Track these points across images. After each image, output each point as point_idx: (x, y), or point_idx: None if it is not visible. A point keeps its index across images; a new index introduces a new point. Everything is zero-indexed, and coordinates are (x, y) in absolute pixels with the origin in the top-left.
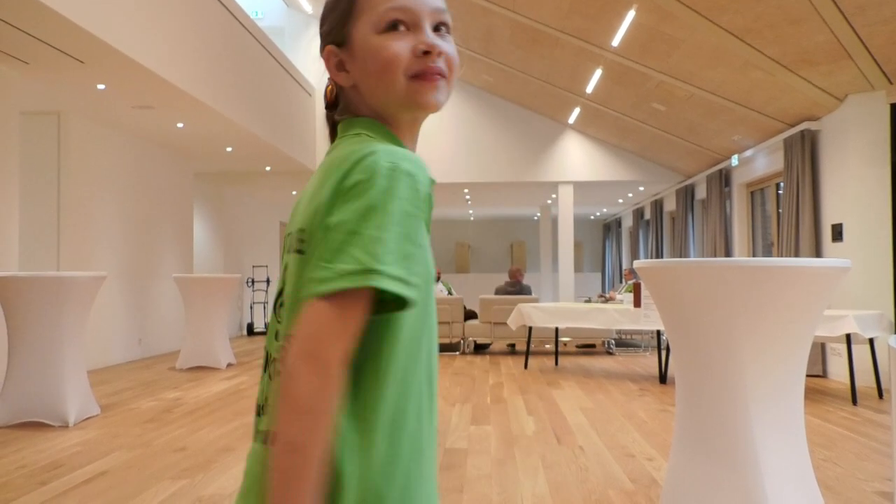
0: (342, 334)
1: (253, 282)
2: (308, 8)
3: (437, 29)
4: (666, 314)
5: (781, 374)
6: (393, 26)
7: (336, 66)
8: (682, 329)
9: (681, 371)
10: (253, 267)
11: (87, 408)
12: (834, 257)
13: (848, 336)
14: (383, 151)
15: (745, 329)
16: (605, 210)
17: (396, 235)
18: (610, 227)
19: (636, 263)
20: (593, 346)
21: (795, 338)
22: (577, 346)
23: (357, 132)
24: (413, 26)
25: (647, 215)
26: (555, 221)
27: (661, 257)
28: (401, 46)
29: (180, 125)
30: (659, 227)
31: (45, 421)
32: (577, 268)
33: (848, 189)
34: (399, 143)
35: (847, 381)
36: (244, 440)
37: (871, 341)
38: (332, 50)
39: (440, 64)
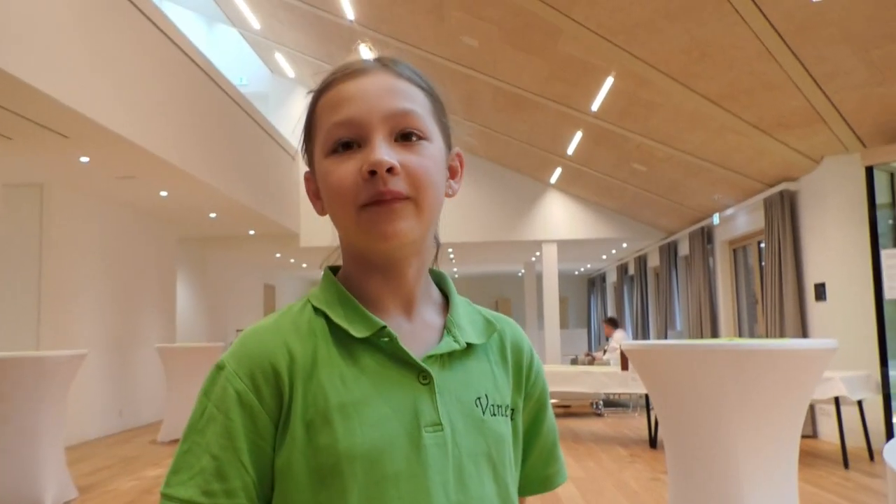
0: None
1: None
2: (291, 73)
3: (405, 137)
4: (654, 393)
5: (773, 451)
6: (341, 146)
7: (313, 193)
8: (671, 407)
9: (671, 448)
10: (237, 331)
11: (64, 492)
12: (818, 316)
13: (836, 398)
14: (240, 337)
15: (734, 409)
16: (589, 266)
17: (193, 446)
18: (594, 283)
19: (624, 345)
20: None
21: (785, 416)
22: (565, 407)
23: (314, 291)
24: (364, 141)
25: (631, 271)
26: (539, 278)
27: (647, 312)
28: (345, 171)
29: (164, 194)
30: (643, 282)
31: None
32: (563, 324)
33: (829, 248)
34: (338, 294)
35: (837, 441)
36: None
37: (860, 402)
38: (307, 176)
39: (396, 185)
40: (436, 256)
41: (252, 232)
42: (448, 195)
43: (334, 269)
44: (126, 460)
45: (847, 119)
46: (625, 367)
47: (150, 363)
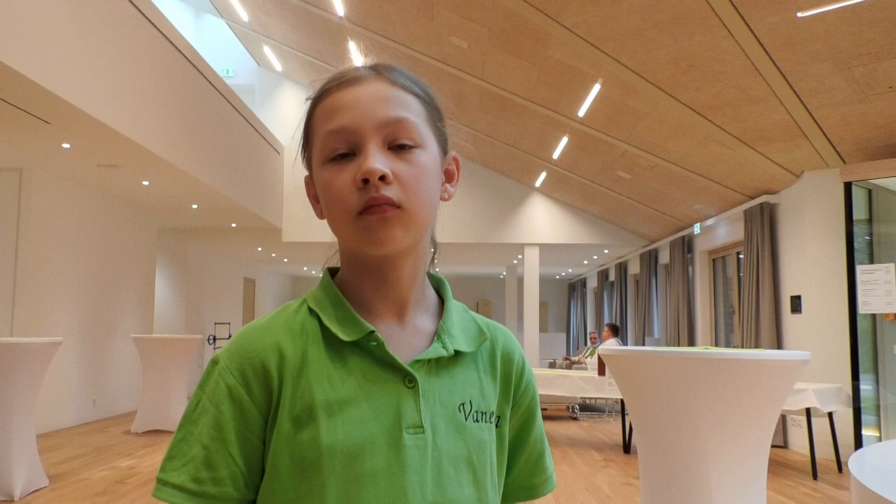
0: None
1: (215, 339)
2: (278, 66)
3: (398, 146)
4: (630, 397)
5: (743, 459)
6: (338, 154)
7: (313, 197)
8: (645, 412)
9: (644, 452)
10: (215, 324)
11: (35, 479)
12: (793, 329)
13: (808, 409)
14: (235, 335)
15: (706, 416)
16: (570, 270)
17: (187, 436)
18: (575, 287)
19: (600, 350)
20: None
21: (757, 424)
22: (541, 410)
23: (311, 291)
24: (358, 150)
25: (612, 277)
26: (521, 281)
27: (626, 319)
28: (342, 181)
29: (146, 183)
30: (623, 289)
31: None
32: (543, 327)
33: (806, 262)
34: (332, 297)
35: (807, 451)
36: None
37: (831, 415)
38: (307, 180)
39: (388, 192)
40: (433, 258)
41: (234, 225)
42: (444, 199)
43: (334, 271)
44: (99, 450)
45: (828, 135)
46: (602, 372)
47: (126, 353)
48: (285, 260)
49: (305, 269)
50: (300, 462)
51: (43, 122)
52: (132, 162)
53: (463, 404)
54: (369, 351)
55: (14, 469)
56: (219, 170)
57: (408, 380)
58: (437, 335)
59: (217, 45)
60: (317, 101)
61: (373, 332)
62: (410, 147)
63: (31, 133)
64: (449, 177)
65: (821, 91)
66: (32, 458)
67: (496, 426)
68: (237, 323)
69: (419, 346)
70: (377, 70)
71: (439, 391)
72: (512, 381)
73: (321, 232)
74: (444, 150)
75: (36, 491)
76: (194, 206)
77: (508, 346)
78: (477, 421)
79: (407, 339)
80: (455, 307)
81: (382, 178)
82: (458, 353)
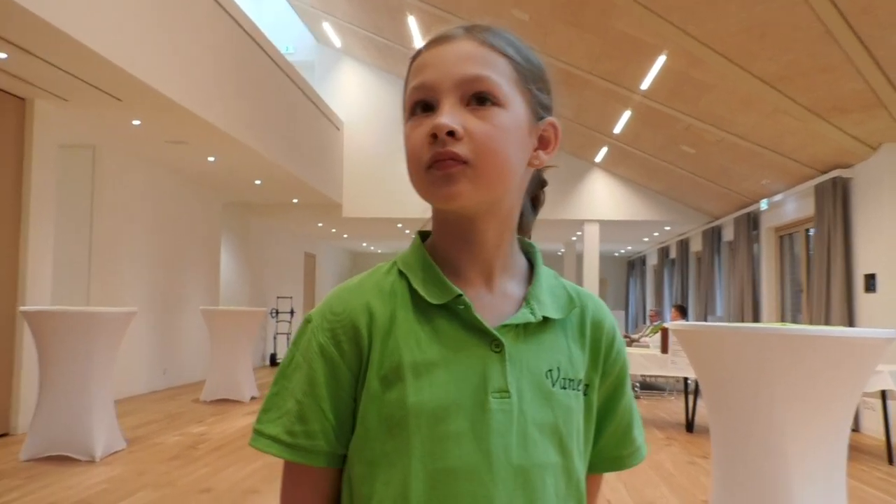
0: (292, 498)
1: (277, 312)
2: (337, 43)
3: (479, 101)
4: (704, 377)
5: (824, 442)
6: (419, 108)
7: None
8: (720, 391)
9: (717, 432)
10: (277, 298)
11: (114, 442)
12: (866, 308)
13: (883, 392)
14: (328, 295)
15: (786, 396)
16: (629, 248)
17: (281, 390)
18: (634, 265)
19: (671, 325)
20: None
21: (838, 405)
22: None
23: (402, 254)
24: (436, 105)
25: (673, 255)
26: (579, 258)
27: (687, 298)
28: (417, 134)
29: (211, 159)
30: (685, 267)
31: (73, 455)
32: None
33: (881, 239)
34: (422, 260)
35: (881, 436)
36: (268, 482)
37: None
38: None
39: (455, 147)
40: (530, 227)
41: (295, 200)
42: (535, 165)
43: (425, 235)
44: (171, 416)
45: None
46: (665, 349)
47: (193, 324)
48: (345, 235)
49: (365, 244)
50: (387, 420)
51: (115, 100)
52: (199, 138)
53: (550, 371)
54: (457, 314)
55: (95, 432)
56: (281, 146)
57: (494, 344)
58: (525, 301)
59: (277, 23)
60: (412, 61)
61: (460, 295)
62: (492, 104)
63: (104, 110)
64: (544, 143)
65: None
66: (111, 423)
67: (584, 394)
68: (299, 297)
69: (507, 311)
70: (470, 30)
71: (527, 357)
72: (601, 349)
73: (381, 208)
74: (538, 116)
75: (115, 453)
76: (257, 182)
77: (599, 313)
78: (564, 388)
79: (495, 304)
80: (545, 273)
81: (452, 133)
82: (546, 320)
